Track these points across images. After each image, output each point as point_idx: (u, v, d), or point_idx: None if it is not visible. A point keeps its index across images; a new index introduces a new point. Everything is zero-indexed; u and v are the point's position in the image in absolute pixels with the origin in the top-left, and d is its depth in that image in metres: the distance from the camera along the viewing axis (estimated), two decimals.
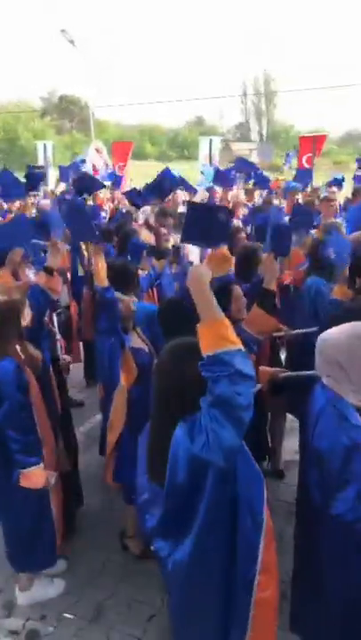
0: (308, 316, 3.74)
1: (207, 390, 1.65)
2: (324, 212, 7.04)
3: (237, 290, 3.22)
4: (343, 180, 9.28)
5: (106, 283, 3.28)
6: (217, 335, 1.63)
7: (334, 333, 2.19)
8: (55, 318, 3.73)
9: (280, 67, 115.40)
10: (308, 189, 8.26)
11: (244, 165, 8.12)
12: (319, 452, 2.09)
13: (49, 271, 3.30)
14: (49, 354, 3.40)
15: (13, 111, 45.97)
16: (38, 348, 3.12)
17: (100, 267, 3.32)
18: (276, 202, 7.29)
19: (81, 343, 5.48)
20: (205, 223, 3.45)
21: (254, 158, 21.66)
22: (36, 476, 2.85)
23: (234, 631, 1.91)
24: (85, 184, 6.69)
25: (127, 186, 11.66)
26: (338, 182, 8.83)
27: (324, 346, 2.18)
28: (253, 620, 1.88)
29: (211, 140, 14.01)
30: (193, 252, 5.24)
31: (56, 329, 3.66)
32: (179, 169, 12.51)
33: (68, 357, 3.72)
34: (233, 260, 3.94)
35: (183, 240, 3.48)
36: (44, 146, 15.36)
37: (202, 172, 11.86)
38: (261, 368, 3.25)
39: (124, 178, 12.58)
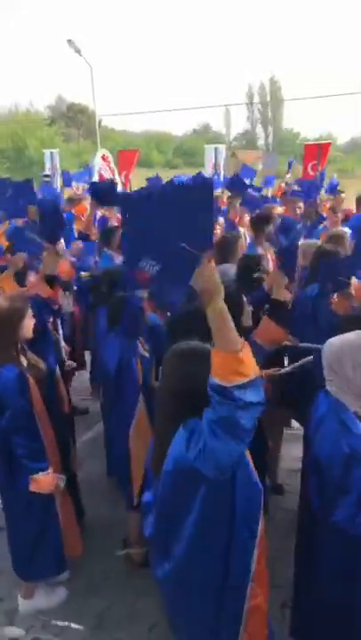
0: (308, 321, 3.73)
1: (211, 405, 1.65)
2: (330, 221, 7.07)
3: (245, 300, 3.24)
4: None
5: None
6: (233, 369, 1.59)
7: (335, 341, 2.22)
8: (60, 324, 3.75)
9: (287, 74, 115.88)
10: (320, 199, 8.22)
11: (248, 174, 8.14)
12: (319, 460, 2.11)
13: (49, 281, 3.34)
14: (54, 359, 3.42)
15: (21, 120, 46.46)
16: (40, 355, 3.15)
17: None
18: (279, 209, 7.26)
19: (86, 351, 5.51)
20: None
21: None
22: (45, 481, 2.89)
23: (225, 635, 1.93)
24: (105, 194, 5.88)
25: None
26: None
27: (325, 353, 2.21)
28: (246, 627, 1.90)
29: (216, 149, 14.08)
30: None
31: (60, 335, 3.68)
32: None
33: (72, 363, 3.74)
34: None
35: None
36: (51, 154, 15.48)
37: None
38: None
39: (128, 187, 12.63)
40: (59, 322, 3.75)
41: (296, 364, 3.19)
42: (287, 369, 3.22)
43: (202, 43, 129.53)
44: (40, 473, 2.86)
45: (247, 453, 1.89)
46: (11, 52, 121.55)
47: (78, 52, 18.01)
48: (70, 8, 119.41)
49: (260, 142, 66.48)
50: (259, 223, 5.22)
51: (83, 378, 5.68)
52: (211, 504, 1.78)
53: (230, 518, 1.82)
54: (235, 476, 1.79)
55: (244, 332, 3.05)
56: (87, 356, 5.71)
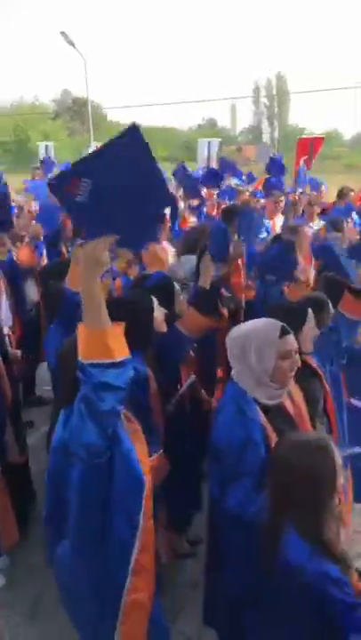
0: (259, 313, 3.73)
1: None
2: (307, 214, 7.02)
3: (177, 287, 3.24)
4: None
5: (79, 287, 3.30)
6: (92, 346, 1.63)
7: (238, 328, 2.22)
8: (4, 312, 3.72)
9: (293, 70, 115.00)
10: (298, 193, 8.15)
11: (227, 167, 8.09)
12: (217, 445, 2.11)
13: None
14: None
15: (24, 113, 46.53)
16: None
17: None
18: (261, 201, 7.22)
19: None
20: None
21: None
22: None
23: (103, 629, 1.93)
24: None
25: None
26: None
27: (228, 340, 2.21)
28: (122, 621, 1.88)
29: (209, 143, 13.99)
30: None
31: (2, 323, 3.65)
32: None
33: (17, 352, 3.74)
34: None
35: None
36: (46, 147, 15.48)
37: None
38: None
39: None
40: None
41: None
42: None
43: (208, 37, 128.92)
44: None
45: (135, 446, 1.88)
46: (16, 45, 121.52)
47: (72, 44, 17.97)
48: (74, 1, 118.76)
49: (266, 138, 66.14)
50: (226, 215, 5.18)
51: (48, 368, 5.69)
52: (86, 487, 1.79)
53: (106, 505, 1.82)
54: (112, 464, 1.79)
55: (177, 319, 3.07)
56: None
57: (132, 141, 1.60)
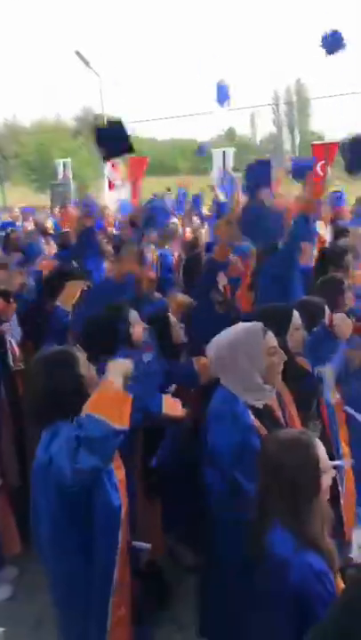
0: None
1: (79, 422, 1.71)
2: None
3: (173, 318, 3.25)
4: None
5: (70, 307, 3.40)
6: (111, 405, 1.72)
7: (223, 336, 2.23)
8: (13, 327, 3.75)
9: (314, 75, 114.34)
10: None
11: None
12: (213, 452, 2.11)
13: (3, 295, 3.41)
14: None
15: (46, 131, 47.46)
16: None
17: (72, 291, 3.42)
18: None
19: None
20: None
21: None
22: None
23: None
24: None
25: (139, 202, 11.54)
26: None
27: (211, 346, 2.21)
28: (111, 636, 1.95)
29: (224, 153, 14.01)
30: None
31: (10, 337, 3.68)
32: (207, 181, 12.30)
33: (20, 366, 3.75)
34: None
35: None
36: (63, 163, 15.81)
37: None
38: None
39: (136, 194, 12.74)
40: (9, 325, 3.74)
41: None
42: None
43: (226, 47, 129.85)
44: None
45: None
46: (37, 65, 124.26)
47: (87, 63, 18.23)
48: (87, 20, 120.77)
49: (287, 146, 65.91)
50: None
51: None
52: (65, 508, 1.83)
53: (86, 525, 1.87)
54: (90, 491, 1.84)
55: (177, 349, 3.09)
56: None
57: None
